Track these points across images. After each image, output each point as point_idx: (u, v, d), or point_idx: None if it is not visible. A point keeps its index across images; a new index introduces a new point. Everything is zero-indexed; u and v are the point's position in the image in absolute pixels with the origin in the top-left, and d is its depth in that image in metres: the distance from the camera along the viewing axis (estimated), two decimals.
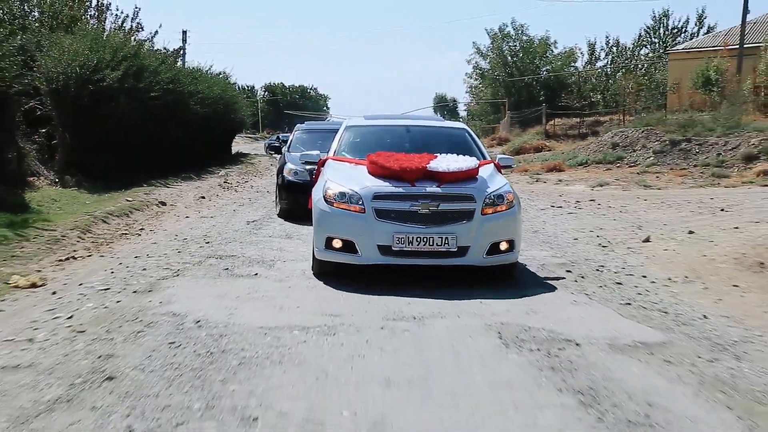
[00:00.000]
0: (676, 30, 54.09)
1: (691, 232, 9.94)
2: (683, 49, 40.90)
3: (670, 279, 7.13)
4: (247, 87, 79.14)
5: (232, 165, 26.63)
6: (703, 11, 67.87)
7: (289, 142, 14.01)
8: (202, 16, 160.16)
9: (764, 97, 29.91)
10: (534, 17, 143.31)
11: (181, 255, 8.15)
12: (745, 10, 35.24)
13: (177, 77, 20.40)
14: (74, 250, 8.15)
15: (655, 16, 55.61)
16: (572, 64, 51.54)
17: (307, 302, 5.95)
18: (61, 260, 7.57)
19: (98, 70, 15.31)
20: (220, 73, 31.73)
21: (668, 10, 54.52)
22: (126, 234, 9.69)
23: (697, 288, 6.72)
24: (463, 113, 69.34)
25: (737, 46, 33.95)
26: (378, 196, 6.70)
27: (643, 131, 24.55)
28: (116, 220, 10.54)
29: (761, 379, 4.21)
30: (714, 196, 14.94)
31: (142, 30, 26.43)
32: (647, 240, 9.62)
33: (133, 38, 24.37)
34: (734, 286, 6.65)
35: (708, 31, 50.35)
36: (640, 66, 50.87)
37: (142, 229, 10.22)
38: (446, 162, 7.04)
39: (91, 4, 25.97)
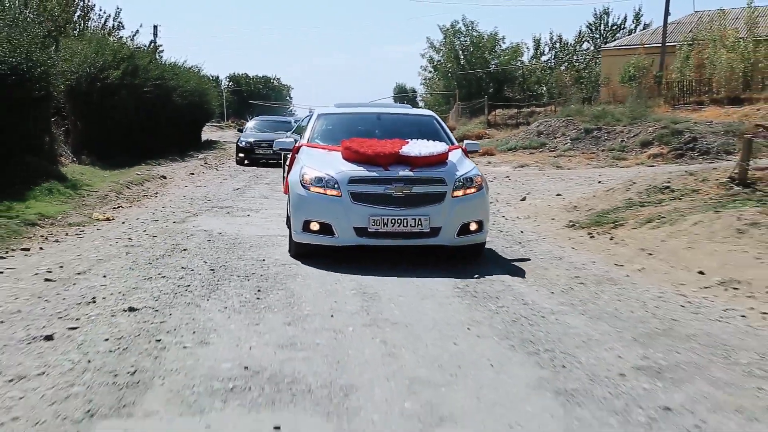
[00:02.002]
0: (615, 27, 58.49)
1: (558, 194, 13.83)
2: (614, 46, 45.21)
3: (518, 217, 11.01)
4: (212, 77, 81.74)
5: (207, 150, 30.01)
6: (639, 9, 72.54)
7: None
8: (164, 6, 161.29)
9: (676, 92, 34.38)
10: (484, 15, 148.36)
11: (192, 206, 11.80)
12: (666, 13, 39.57)
13: (163, 74, 23.77)
14: (119, 203, 11.76)
15: (596, 14, 59.95)
16: (519, 59, 55.60)
17: (284, 226, 9.65)
18: (113, 208, 11.17)
19: (103, 69, 18.70)
20: (192, 67, 34.99)
21: (608, 8, 58.87)
22: (146, 196, 13.28)
23: (529, 221, 10.62)
24: (421, 103, 73.08)
25: (660, 45, 38.26)
26: (353, 180, 7.00)
27: (563, 121, 28.58)
28: (135, 187, 14.10)
29: (531, 254, 8.04)
30: (603, 174, 18.89)
31: (123, 28, 29.70)
32: (523, 199, 13.49)
33: (113, 36, 27.79)
34: (552, 219, 10.55)
35: (644, 28, 54.81)
36: (581, 60, 55.30)
37: (156, 193, 13.81)
38: (418, 147, 7.33)
39: (77, 5, 29.16)
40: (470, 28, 54.16)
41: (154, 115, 21.85)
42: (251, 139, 23.60)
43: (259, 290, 5.89)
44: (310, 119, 9.20)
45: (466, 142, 8.45)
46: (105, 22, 30.82)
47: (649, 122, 26.57)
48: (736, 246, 6.97)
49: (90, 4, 30.09)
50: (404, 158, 7.13)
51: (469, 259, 7.43)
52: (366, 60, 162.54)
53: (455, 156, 7.65)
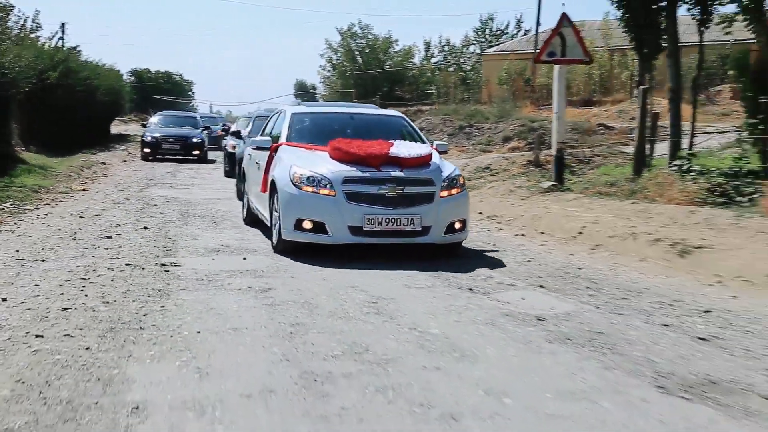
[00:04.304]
0: (499, 32, 64.06)
1: None
2: (494, 51, 50.58)
3: None
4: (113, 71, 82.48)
5: (123, 142, 33.01)
6: (520, 16, 78.76)
7: (248, 128, 15.40)
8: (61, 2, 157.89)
9: (542, 94, 39.71)
10: (379, 19, 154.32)
11: (141, 182, 15.50)
12: (538, 22, 45.08)
13: (90, 74, 26.83)
14: (83, 181, 15.28)
15: (482, 19, 65.27)
16: (411, 60, 60.35)
17: (220, 193, 13.53)
18: (81, 184, 14.70)
19: (44, 71, 21.82)
20: (109, 66, 37.74)
21: (492, 15, 64.26)
22: (99, 176, 16.80)
23: None
24: (320, 100, 76.79)
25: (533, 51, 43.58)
26: (347, 180, 7.17)
27: (442, 119, 33.21)
28: (87, 170, 17.54)
29: None
30: (465, 162, 23.42)
31: (42, 29, 32.21)
32: None
33: (32, 35, 30.43)
34: None
35: (525, 34, 60.54)
36: (467, 63, 60.68)
37: (105, 174, 17.34)
38: (405, 148, 7.55)
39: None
40: (366, 31, 58.55)
41: (83, 111, 25.00)
42: (157, 134, 23.98)
43: (214, 222, 9.89)
44: (276, 118, 9.56)
45: (435, 143, 8.68)
46: (24, 22, 33.25)
47: (512, 121, 31.48)
48: (504, 199, 11.44)
49: (9, 5, 32.48)
50: (394, 159, 7.35)
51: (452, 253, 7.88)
52: (265, 54, 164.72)
53: (435, 157, 7.86)
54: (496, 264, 7.42)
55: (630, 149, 14.06)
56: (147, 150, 23.55)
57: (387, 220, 7.10)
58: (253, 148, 9.10)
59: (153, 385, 3.71)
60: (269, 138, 8.81)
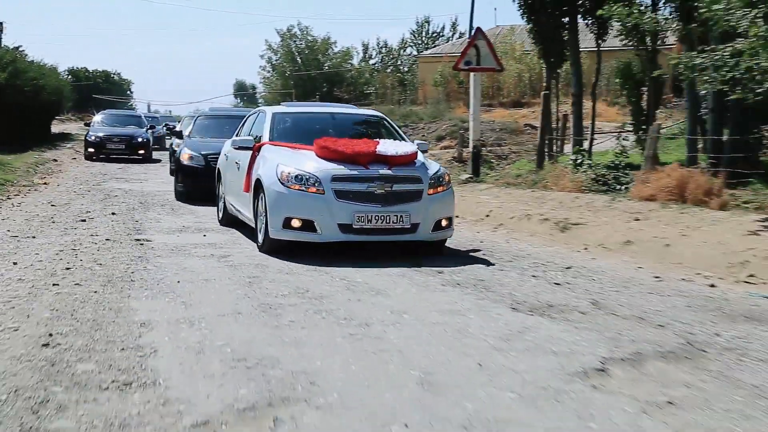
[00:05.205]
0: (435, 34, 65.93)
1: None
2: (429, 53, 52.44)
3: None
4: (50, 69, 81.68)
5: (67, 141, 33.68)
6: (456, 19, 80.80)
7: (189, 128, 15.27)
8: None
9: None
10: (318, 20, 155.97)
11: (97, 177, 16.67)
12: (471, 26, 46.88)
13: (35, 75, 27.55)
14: (42, 176, 16.35)
15: (418, 22, 66.93)
16: (349, 61, 61.85)
17: (171, 187, 14.80)
18: (41, 178, 15.79)
19: None
20: (47, 65, 38.21)
21: (428, 17, 65.93)
22: (54, 172, 17.85)
23: None
24: (261, 100, 77.58)
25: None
26: (336, 178, 7.20)
27: None
28: (41, 167, 18.54)
29: None
30: None
31: None
32: None
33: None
34: None
35: (460, 37, 62.58)
36: (404, 65, 62.52)
37: (60, 170, 18.39)
38: (392, 146, 7.58)
39: None
40: (305, 32, 59.81)
41: (30, 110, 25.79)
42: (101, 134, 23.62)
43: (173, 209, 11.28)
44: (255, 118, 9.60)
45: (416, 142, 8.71)
46: None
47: (446, 121, 33.32)
48: None
49: None
50: (381, 157, 7.38)
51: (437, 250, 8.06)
52: (203, 54, 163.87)
53: (420, 155, 7.91)
54: None
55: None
56: (91, 149, 23.26)
57: (377, 218, 7.17)
58: (235, 148, 8.99)
59: (152, 312, 5.17)
60: (251, 138, 8.75)
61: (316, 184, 7.20)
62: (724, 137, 10.57)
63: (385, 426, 3.25)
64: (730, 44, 7.87)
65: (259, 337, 4.58)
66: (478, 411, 3.42)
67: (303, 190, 7.25)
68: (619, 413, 3.43)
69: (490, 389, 3.72)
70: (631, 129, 13.21)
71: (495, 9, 62.57)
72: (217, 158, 10.90)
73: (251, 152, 8.38)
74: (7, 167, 16.54)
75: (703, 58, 8.16)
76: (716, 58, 7.82)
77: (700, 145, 11.39)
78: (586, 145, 13.46)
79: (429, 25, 65.60)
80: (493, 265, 7.34)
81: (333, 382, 3.78)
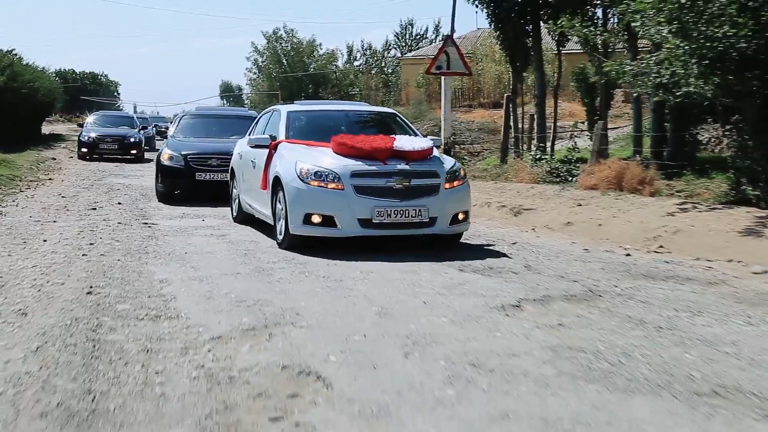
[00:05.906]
0: (418, 36, 67.22)
1: None
2: (412, 55, 53.75)
3: None
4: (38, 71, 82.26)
5: (60, 141, 34.76)
6: (439, 22, 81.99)
7: (172, 129, 14.79)
8: None
9: (456, 96, 42.92)
10: (303, 23, 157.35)
11: (96, 174, 17.85)
12: (452, 29, 48.26)
13: (31, 78, 28.66)
14: (47, 171, 17.51)
15: (402, 24, 68.18)
16: (334, 63, 63.04)
17: None
18: (46, 174, 16.96)
19: None
20: (43, 68, 39.28)
21: (412, 20, 67.23)
22: (55, 169, 19.00)
23: None
24: (247, 101, 78.58)
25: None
26: (356, 174, 7.31)
27: None
28: (43, 164, 19.70)
29: None
30: None
31: None
32: None
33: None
34: None
35: (443, 39, 63.85)
36: (388, 66, 63.84)
37: (60, 168, 19.54)
38: (409, 142, 7.70)
39: None
40: (291, 35, 60.94)
41: (26, 111, 26.92)
42: (93, 134, 24.31)
43: (172, 199, 12.49)
44: (269, 117, 9.67)
45: (429, 137, 8.82)
46: None
47: (427, 121, 34.69)
48: None
49: None
50: (399, 152, 7.51)
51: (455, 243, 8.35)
52: (190, 55, 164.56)
53: (435, 150, 8.04)
54: None
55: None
56: (84, 149, 23.89)
57: (396, 212, 7.29)
58: (251, 146, 8.99)
59: (168, 273, 6.44)
60: (267, 136, 8.81)
61: (336, 180, 7.31)
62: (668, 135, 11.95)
63: (349, 337, 4.54)
64: (655, 54, 9.23)
65: (256, 288, 5.87)
66: (418, 328, 4.72)
67: (323, 186, 7.35)
68: (519, 329, 4.74)
69: (430, 317, 5.03)
70: (584, 128, 14.59)
71: (476, 12, 64.02)
72: (198, 158, 11.97)
73: (267, 150, 8.51)
74: (12, 165, 17.72)
75: (632, 65, 9.51)
76: (642, 65, 9.16)
77: (649, 144, 12.79)
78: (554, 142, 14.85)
79: (413, 27, 67.02)
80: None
81: (312, 313, 5.07)
